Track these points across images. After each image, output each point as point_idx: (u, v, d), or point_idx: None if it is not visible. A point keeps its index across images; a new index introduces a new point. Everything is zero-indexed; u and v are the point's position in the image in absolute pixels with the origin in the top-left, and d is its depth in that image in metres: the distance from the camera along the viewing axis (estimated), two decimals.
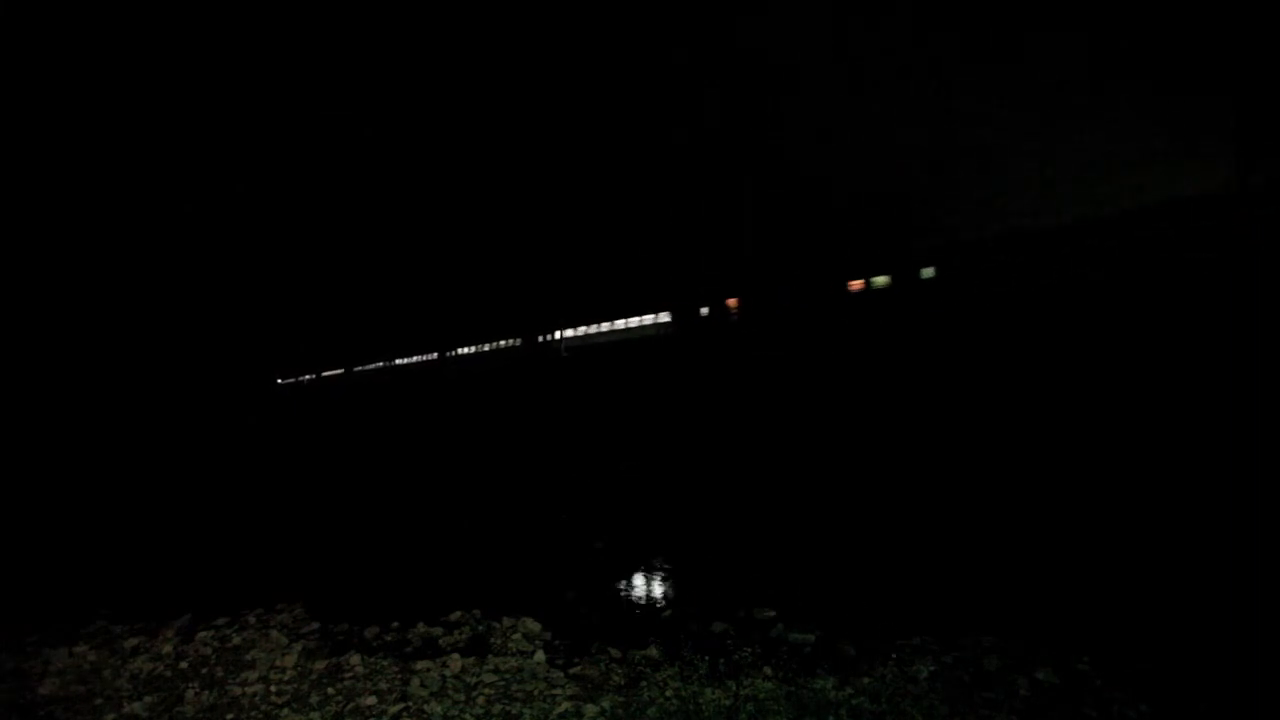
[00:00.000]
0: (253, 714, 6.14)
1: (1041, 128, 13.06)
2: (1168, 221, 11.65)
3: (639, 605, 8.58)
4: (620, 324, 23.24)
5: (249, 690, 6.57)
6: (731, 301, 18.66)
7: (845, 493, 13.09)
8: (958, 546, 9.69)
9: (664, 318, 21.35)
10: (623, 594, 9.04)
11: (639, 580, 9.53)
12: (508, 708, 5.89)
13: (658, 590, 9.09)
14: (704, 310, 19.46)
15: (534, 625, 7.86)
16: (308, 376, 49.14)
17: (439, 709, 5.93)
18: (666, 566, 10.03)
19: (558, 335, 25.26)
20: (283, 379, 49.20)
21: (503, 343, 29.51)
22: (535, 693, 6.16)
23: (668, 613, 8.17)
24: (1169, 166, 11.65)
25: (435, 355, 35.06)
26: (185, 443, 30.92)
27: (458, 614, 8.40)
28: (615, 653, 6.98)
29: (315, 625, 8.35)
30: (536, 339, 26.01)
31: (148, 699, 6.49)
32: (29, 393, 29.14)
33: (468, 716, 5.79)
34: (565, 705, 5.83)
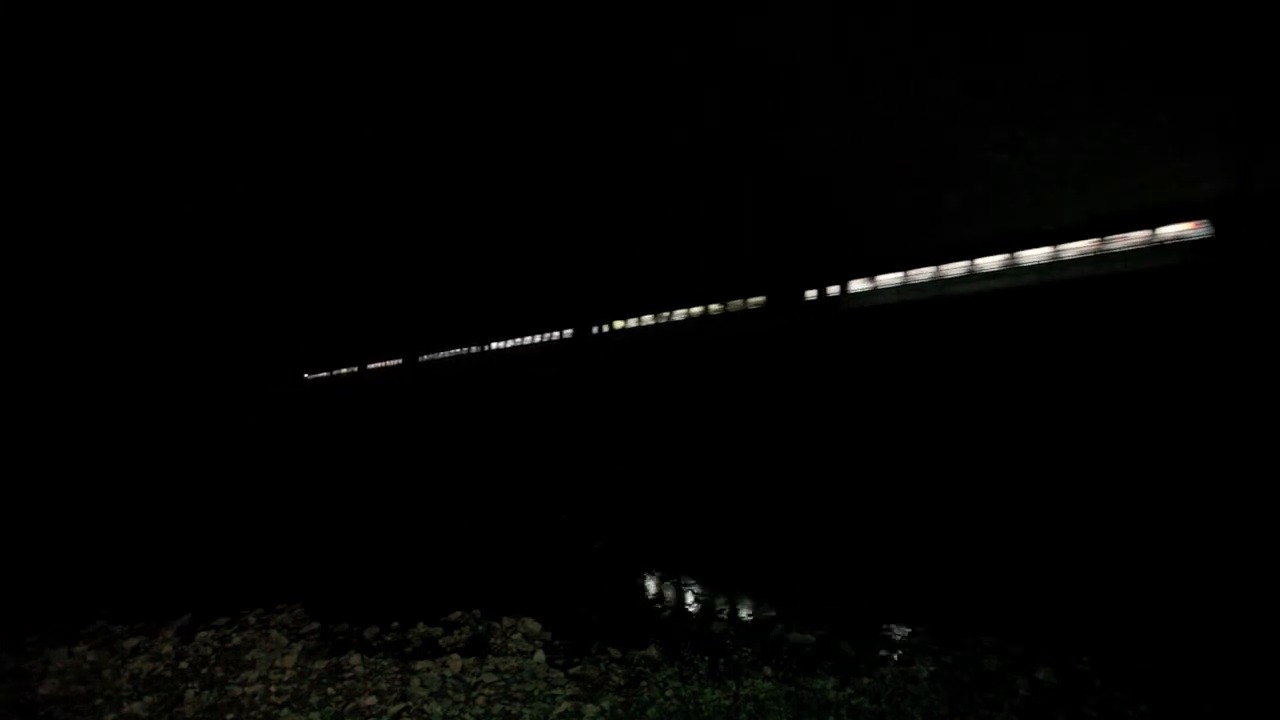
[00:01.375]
0: (253, 714, 6.14)
1: (1041, 128, 13.05)
2: (1166, 223, 11.65)
3: (639, 605, 8.58)
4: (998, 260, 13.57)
5: (249, 690, 6.57)
6: None
7: (854, 491, 13.09)
8: (958, 547, 9.69)
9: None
10: (622, 594, 9.04)
11: (639, 580, 9.53)
12: (508, 708, 5.89)
13: (658, 590, 9.09)
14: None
15: (534, 625, 7.86)
16: (346, 369, 45.97)
17: (439, 709, 5.93)
18: (668, 567, 10.03)
19: (839, 290, 17.88)
20: (310, 373, 46.61)
21: (722, 305, 20.68)
22: (535, 693, 6.16)
23: (667, 613, 8.17)
24: (1169, 168, 11.64)
25: (570, 331, 27.50)
26: (184, 443, 30.92)
27: (458, 614, 8.40)
28: (615, 653, 6.98)
29: (315, 625, 8.35)
30: (800, 294, 18.89)
31: (148, 699, 6.49)
32: (29, 393, 29.17)
33: (468, 716, 5.79)
34: (565, 705, 5.84)
